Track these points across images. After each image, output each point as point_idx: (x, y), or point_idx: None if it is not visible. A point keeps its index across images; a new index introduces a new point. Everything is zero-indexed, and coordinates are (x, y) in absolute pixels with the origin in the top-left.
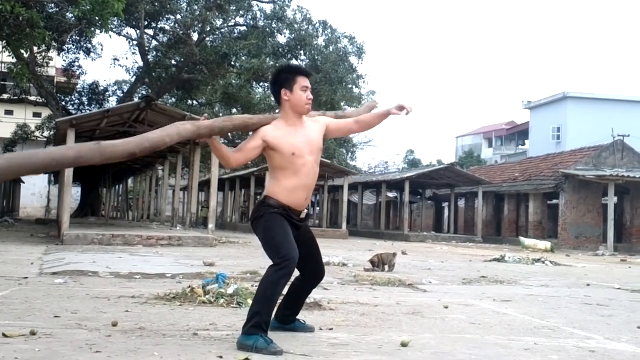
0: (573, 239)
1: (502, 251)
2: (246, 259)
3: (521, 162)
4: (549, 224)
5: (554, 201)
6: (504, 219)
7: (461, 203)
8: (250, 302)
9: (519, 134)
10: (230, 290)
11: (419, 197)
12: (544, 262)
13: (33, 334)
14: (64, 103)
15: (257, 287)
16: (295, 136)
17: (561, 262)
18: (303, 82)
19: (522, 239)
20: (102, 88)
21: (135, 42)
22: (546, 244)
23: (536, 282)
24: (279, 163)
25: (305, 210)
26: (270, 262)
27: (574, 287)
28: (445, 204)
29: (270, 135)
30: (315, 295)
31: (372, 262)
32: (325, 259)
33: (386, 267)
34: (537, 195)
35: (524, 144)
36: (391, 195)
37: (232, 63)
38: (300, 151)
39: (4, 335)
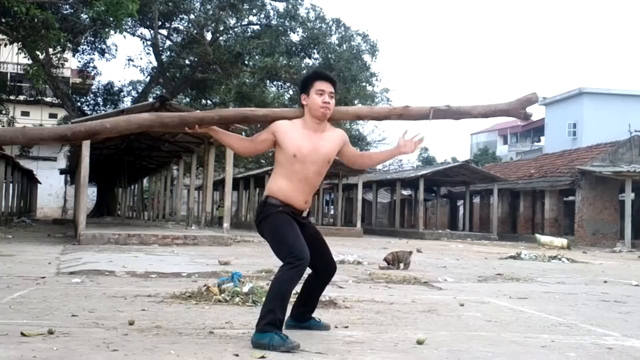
0: (590, 235)
1: (518, 248)
2: (261, 257)
3: (537, 159)
4: (565, 220)
5: (570, 198)
6: (519, 216)
7: (476, 200)
8: None
9: (534, 130)
10: (245, 289)
11: (433, 194)
12: (560, 259)
13: (51, 332)
14: (79, 104)
15: (270, 285)
16: (305, 140)
17: (578, 259)
18: (319, 85)
19: (538, 236)
20: (116, 88)
21: (149, 42)
22: (562, 241)
23: (552, 279)
24: (280, 160)
25: (307, 209)
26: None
27: (591, 284)
28: (460, 202)
29: (280, 130)
30: (330, 293)
31: (386, 260)
32: (340, 257)
33: (401, 265)
34: (553, 192)
35: (539, 141)
36: (405, 193)
37: (246, 62)
38: (303, 156)
39: (22, 334)
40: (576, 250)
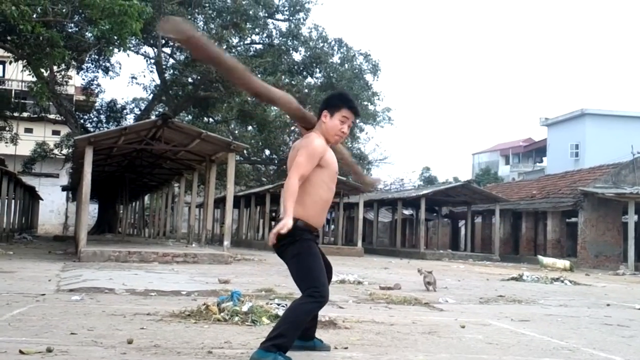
0: (592, 257)
1: (520, 270)
2: (261, 276)
3: (539, 180)
4: (568, 242)
5: (573, 219)
6: (521, 237)
7: (478, 221)
8: (265, 320)
9: (537, 151)
10: (244, 308)
11: (435, 214)
12: (562, 281)
13: (49, 351)
14: (82, 121)
15: (285, 311)
16: (334, 157)
17: (580, 281)
18: (346, 113)
19: (540, 257)
20: (119, 106)
21: (152, 61)
22: (565, 263)
23: (555, 302)
24: (316, 180)
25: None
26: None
27: (594, 307)
28: (462, 222)
29: (325, 149)
30: (330, 313)
31: (427, 282)
32: (340, 277)
33: (430, 287)
34: (556, 213)
35: (541, 161)
36: (407, 212)
37: None
38: (335, 174)
39: (21, 352)
40: (579, 272)
